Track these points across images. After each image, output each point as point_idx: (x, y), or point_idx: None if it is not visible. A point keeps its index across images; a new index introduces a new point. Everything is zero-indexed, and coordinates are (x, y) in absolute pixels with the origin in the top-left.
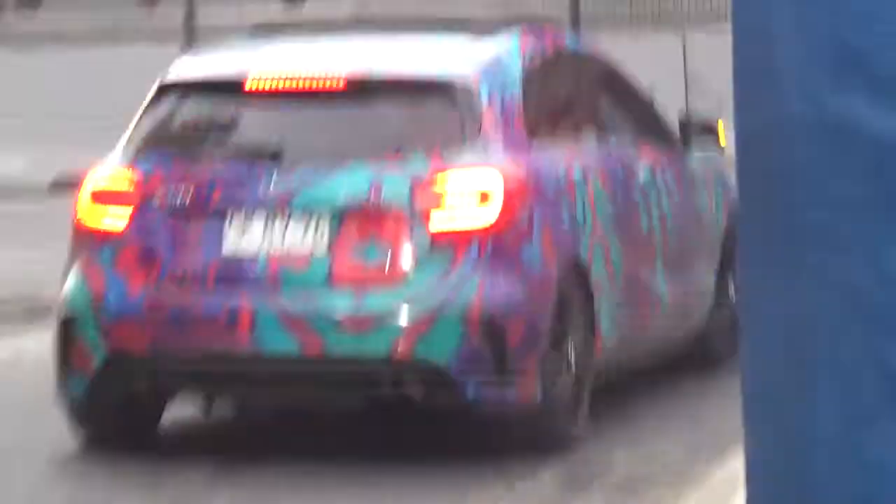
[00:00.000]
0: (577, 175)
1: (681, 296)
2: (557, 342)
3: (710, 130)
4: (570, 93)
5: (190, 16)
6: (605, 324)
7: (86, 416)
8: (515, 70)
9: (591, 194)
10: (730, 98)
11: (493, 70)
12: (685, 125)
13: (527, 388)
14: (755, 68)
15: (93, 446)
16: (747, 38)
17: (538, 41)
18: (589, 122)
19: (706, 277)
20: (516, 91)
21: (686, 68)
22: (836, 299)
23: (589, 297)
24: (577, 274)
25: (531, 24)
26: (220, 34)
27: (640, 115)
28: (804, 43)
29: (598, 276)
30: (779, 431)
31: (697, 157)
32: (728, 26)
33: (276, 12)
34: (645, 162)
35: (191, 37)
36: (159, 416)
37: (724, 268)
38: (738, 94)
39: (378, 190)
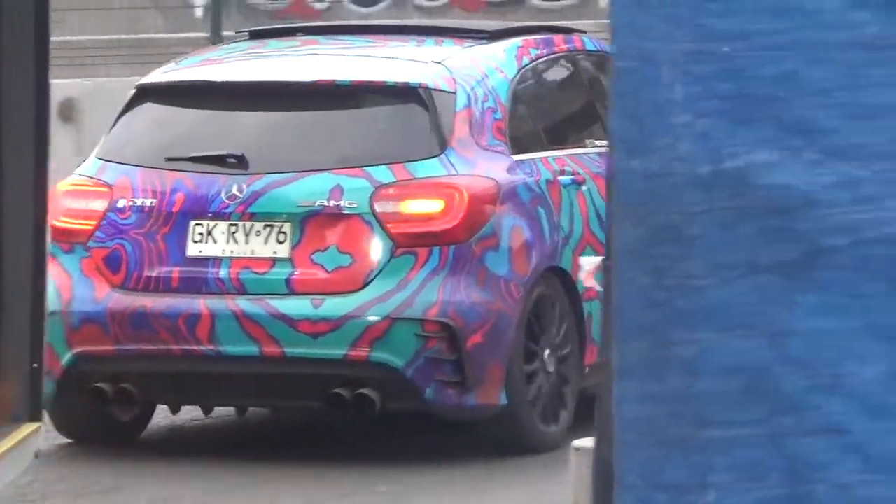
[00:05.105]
0: (566, 182)
1: None
2: (531, 347)
3: None
4: (576, 99)
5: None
6: (597, 329)
7: (58, 416)
8: (505, 77)
9: (582, 202)
10: None
11: (476, 77)
12: None
13: (488, 392)
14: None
15: (70, 445)
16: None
17: (543, 48)
18: (598, 128)
19: None
20: (503, 99)
21: None
22: None
23: (576, 303)
24: (559, 280)
25: (546, 29)
26: None
27: None
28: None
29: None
30: None
31: None
32: None
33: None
34: None
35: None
36: (147, 419)
37: None
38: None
39: (338, 196)
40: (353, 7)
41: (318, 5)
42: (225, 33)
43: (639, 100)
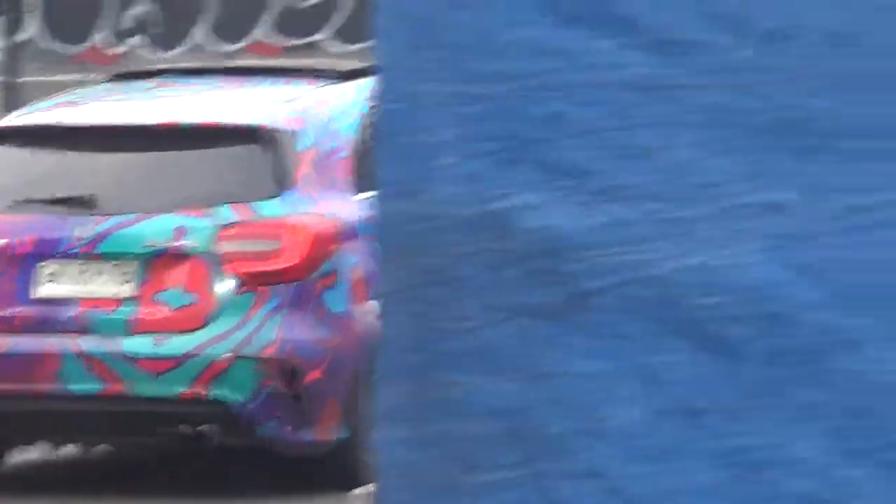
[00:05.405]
0: None
1: None
2: (372, 382)
3: None
4: None
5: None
6: None
7: None
8: (353, 117)
9: None
10: None
11: (322, 117)
12: None
13: (325, 428)
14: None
15: None
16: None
17: None
18: None
19: None
20: (349, 138)
21: None
22: None
23: None
24: None
25: None
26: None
27: None
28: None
29: None
30: None
31: None
32: None
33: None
34: None
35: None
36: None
37: None
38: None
39: (181, 236)
40: (147, 54)
41: (113, 50)
42: (20, 80)
43: (407, 142)
